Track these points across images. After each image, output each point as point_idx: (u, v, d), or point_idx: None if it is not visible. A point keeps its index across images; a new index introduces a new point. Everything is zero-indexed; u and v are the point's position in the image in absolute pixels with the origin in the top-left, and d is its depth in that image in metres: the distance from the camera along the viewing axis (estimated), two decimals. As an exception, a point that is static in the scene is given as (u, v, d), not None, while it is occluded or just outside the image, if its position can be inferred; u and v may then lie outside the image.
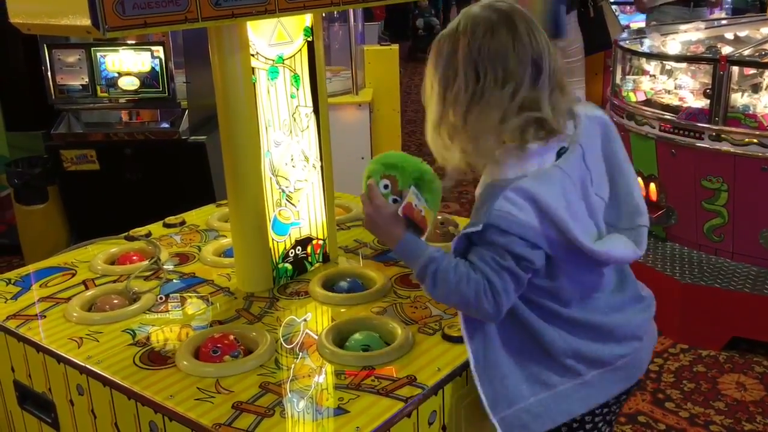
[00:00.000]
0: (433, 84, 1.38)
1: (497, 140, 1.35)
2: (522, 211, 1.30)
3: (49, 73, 3.62)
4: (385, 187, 1.47)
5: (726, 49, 3.62)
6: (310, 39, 1.84)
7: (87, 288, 1.91)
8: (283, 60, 1.80)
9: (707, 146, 3.15)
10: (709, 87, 3.16)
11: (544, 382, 1.41)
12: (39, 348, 1.66)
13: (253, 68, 1.73)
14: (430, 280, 1.36)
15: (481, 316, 1.38)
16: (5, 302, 1.85)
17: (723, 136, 3.10)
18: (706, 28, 4.28)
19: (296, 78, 1.84)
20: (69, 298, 1.84)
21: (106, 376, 1.51)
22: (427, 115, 1.42)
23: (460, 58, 1.33)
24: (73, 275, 2.00)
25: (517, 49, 1.31)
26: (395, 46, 5.10)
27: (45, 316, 1.77)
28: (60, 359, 1.61)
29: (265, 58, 1.75)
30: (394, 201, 1.45)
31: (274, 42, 1.77)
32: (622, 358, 1.46)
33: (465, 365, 1.49)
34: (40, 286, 1.94)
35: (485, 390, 1.40)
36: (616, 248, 1.41)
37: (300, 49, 1.83)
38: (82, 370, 1.56)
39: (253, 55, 1.72)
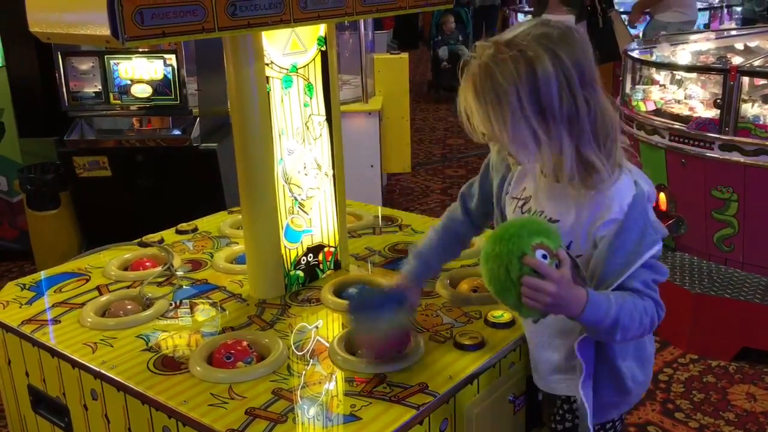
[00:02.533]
0: (525, 105, 1.27)
1: (607, 156, 1.31)
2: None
3: (62, 80, 3.65)
4: (544, 257, 1.26)
5: (736, 60, 3.63)
6: (323, 48, 1.86)
7: (101, 293, 1.93)
8: (297, 69, 1.81)
9: (717, 156, 3.15)
10: (719, 97, 3.17)
11: (598, 392, 1.43)
12: (53, 353, 1.67)
13: (267, 77, 1.75)
14: (620, 327, 1.29)
15: (645, 334, 1.37)
16: (20, 307, 1.87)
17: (733, 146, 3.10)
18: (716, 38, 4.29)
19: (310, 87, 1.85)
20: (83, 304, 1.86)
21: (120, 381, 1.53)
22: (507, 141, 1.32)
23: (551, 76, 1.25)
24: (87, 281, 2.01)
25: (591, 58, 1.31)
26: (405, 55, 5.12)
27: (59, 321, 1.79)
28: (74, 364, 1.62)
29: (280, 67, 1.77)
30: (557, 266, 1.27)
31: (289, 51, 1.79)
32: (650, 377, 1.54)
33: (476, 373, 1.50)
34: (55, 291, 1.96)
35: (593, 403, 1.40)
36: None
37: (314, 59, 1.85)
38: (96, 375, 1.58)
39: (267, 65, 1.74)
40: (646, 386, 1.55)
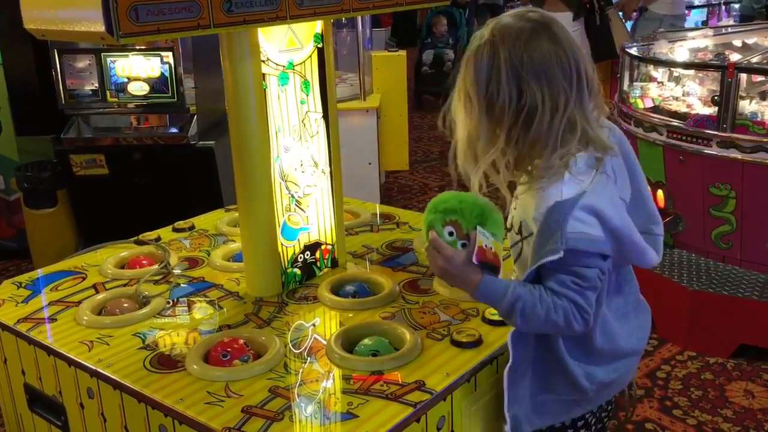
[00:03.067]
0: (472, 97, 1.33)
1: (548, 159, 1.31)
2: (593, 227, 1.31)
3: (59, 78, 3.65)
4: (450, 234, 1.39)
5: (734, 56, 3.62)
6: (320, 45, 1.86)
7: (97, 292, 1.92)
8: (294, 66, 1.81)
9: (715, 153, 3.15)
10: (717, 94, 3.17)
11: (554, 389, 1.44)
12: (50, 351, 1.67)
13: (263, 74, 1.74)
14: (519, 317, 1.33)
15: (572, 333, 1.36)
16: (16, 305, 1.86)
17: (731, 143, 3.09)
18: (714, 35, 4.28)
19: (306, 84, 1.85)
20: (79, 302, 1.85)
21: (117, 379, 1.52)
22: (458, 130, 1.37)
23: (502, 72, 1.28)
24: (84, 279, 2.01)
25: (560, 59, 1.29)
26: (403, 52, 5.12)
27: (55, 320, 1.78)
28: (70, 362, 1.62)
29: (276, 64, 1.77)
30: (463, 246, 1.38)
31: (285, 48, 1.78)
32: (625, 374, 1.52)
33: (474, 371, 1.50)
34: (51, 289, 1.95)
35: (510, 392, 1.42)
36: (649, 250, 1.44)
37: (310, 56, 1.84)
38: (93, 373, 1.57)
39: (263, 61, 1.73)
40: (619, 386, 1.53)
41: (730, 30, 4.60)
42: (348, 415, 1.36)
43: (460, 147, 1.39)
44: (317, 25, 1.83)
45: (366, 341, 1.59)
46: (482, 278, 1.36)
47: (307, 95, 1.86)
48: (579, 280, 1.32)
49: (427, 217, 1.42)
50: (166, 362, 1.57)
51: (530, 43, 1.29)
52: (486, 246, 1.37)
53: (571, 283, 1.32)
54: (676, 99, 3.55)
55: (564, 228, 1.28)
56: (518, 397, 1.43)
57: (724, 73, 3.12)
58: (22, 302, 1.88)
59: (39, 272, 2.08)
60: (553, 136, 1.30)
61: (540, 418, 1.47)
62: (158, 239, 2.26)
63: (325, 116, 1.91)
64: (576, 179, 1.32)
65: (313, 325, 1.73)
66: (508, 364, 1.42)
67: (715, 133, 3.14)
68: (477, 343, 1.57)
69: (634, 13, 5.82)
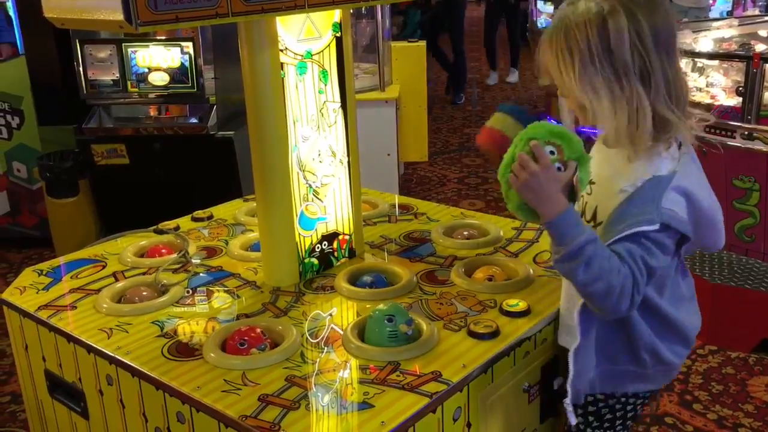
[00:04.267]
0: (597, 65, 1.30)
1: (656, 133, 1.33)
2: (681, 208, 1.32)
3: (80, 68, 3.68)
4: (551, 153, 1.32)
5: (759, 47, 3.56)
6: (338, 35, 1.85)
7: (117, 280, 1.94)
8: (312, 55, 1.80)
9: (739, 145, 3.11)
10: (742, 85, 3.12)
11: (616, 359, 1.47)
12: (69, 338, 1.68)
13: (281, 63, 1.74)
14: (584, 260, 1.28)
15: (610, 310, 1.33)
16: (37, 293, 1.88)
17: (755, 134, 3.05)
18: (739, 25, 4.21)
19: (324, 73, 1.84)
20: (99, 290, 1.87)
21: (135, 366, 1.53)
22: (572, 83, 1.34)
23: (648, 41, 1.29)
24: (104, 267, 2.03)
25: (676, 31, 1.33)
26: (422, 43, 5.09)
27: (76, 307, 1.80)
28: (90, 349, 1.63)
29: (294, 54, 1.76)
30: (558, 170, 1.32)
31: (303, 37, 1.77)
32: (677, 364, 1.54)
33: (491, 362, 1.49)
34: (71, 277, 1.97)
35: (575, 368, 1.44)
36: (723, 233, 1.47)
37: (328, 45, 1.83)
38: (112, 360, 1.58)
39: (282, 51, 1.73)
40: (671, 373, 1.54)
41: (756, 20, 4.52)
42: (364, 405, 1.36)
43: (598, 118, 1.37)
44: (335, 14, 1.83)
45: (381, 306, 1.59)
46: (569, 205, 1.30)
47: (326, 85, 1.85)
48: (648, 258, 1.30)
49: (528, 131, 1.34)
50: (183, 350, 1.58)
51: (659, 11, 1.31)
52: (576, 184, 1.33)
53: (639, 258, 1.30)
54: (700, 90, 3.49)
55: (659, 201, 1.30)
56: (582, 372, 1.45)
57: (749, 63, 3.07)
58: (43, 289, 1.90)
59: (60, 260, 2.10)
60: (682, 99, 1.33)
61: (600, 385, 1.50)
62: (177, 228, 2.27)
63: (343, 106, 1.90)
64: (671, 157, 1.34)
65: (330, 314, 1.73)
66: (575, 345, 1.42)
67: (739, 124, 3.10)
68: (494, 334, 1.56)
69: None
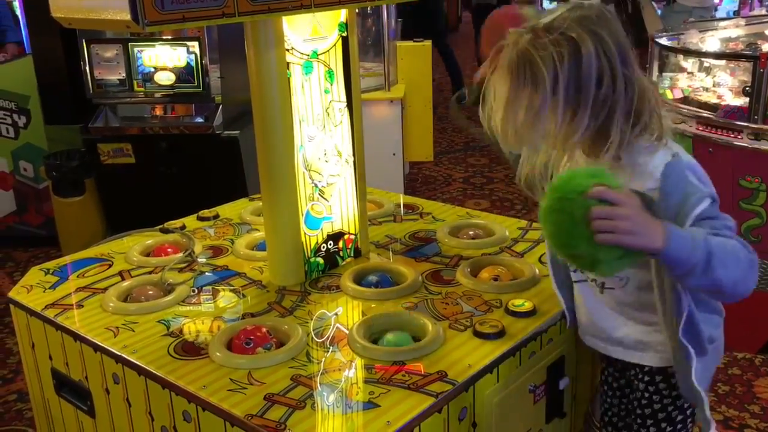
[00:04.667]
0: (564, 92, 1.27)
1: (637, 137, 1.32)
2: (705, 183, 1.32)
3: (87, 68, 3.69)
4: None
5: (766, 47, 3.54)
6: (344, 34, 1.85)
7: (123, 279, 1.94)
8: (318, 55, 1.80)
9: (746, 145, 3.09)
10: (749, 85, 3.10)
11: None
12: (76, 337, 1.69)
13: (288, 63, 1.74)
14: (719, 267, 1.20)
15: (753, 283, 1.26)
16: (44, 291, 1.89)
17: (762, 135, 3.03)
18: (746, 25, 4.20)
19: (330, 73, 1.84)
20: (105, 289, 1.87)
21: (142, 365, 1.54)
22: (507, 112, 1.31)
23: (616, 61, 1.27)
24: (110, 266, 2.03)
25: (626, 36, 1.31)
26: (428, 42, 5.09)
27: (82, 306, 1.80)
28: (96, 348, 1.64)
29: (300, 53, 1.76)
30: None
31: (309, 37, 1.78)
32: (722, 332, 1.52)
33: (496, 362, 1.49)
34: (78, 276, 1.98)
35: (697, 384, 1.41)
36: None
37: (334, 45, 1.84)
38: (118, 359, 1.59)
39: (288, 50, 1.73)
40: (721, 349, 1.52)
41: (762, 20, 4.50)
42: (369, 405, 1.36)
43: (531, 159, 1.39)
44: (341, 14, 1.83)
45: (389, 336, 1.58)
46: (664, 222, 1.20)
47: (331, 84, 1.85)
48: (729, 223, 1.28)
49: (568, 187, 1.21)
50: (189, 349, 1.59)
51: (616, 27, 1.29)
52: None
53: (724, 228, 1.27)
54: (706, 90, 3.48)
55: (690, 181, 1.28)
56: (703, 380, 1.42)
57: (756, 63, 3.05)
58: (49, 288, 1.91)
59: (66, 259, 2.11)
60: (646, 108, 1.31)
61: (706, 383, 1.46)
62: (183, 228, 2.27)
63: (349, 105, 1.90)
64: (670, 143, 1.33)
65: (336, 314, 1.73)
66: (692, 366, 1.37)
67: (746, 124, 3.08)
68: (500, 334, 1.56)
69: (662, 3, 5.73)
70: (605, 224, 1.16)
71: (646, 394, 1.52)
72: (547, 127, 1.31)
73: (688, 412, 1.53)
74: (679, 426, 1.53)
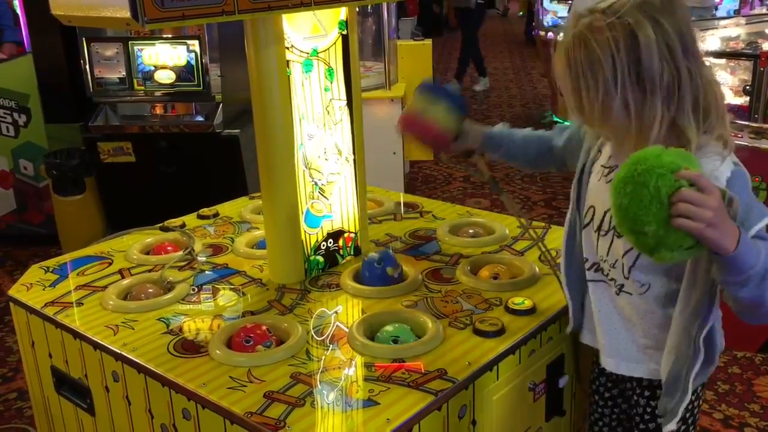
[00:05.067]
0: (625, 77, 1.23)
1: (702, 135, 1.28)
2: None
3: (87, 67, 3.69)
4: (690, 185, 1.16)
5: (767, 45, 3.55)
6: (344, 32, 1.85)
7: (123, 277, 1.94)
8: (318, 53, 1.80)
9: (746, 144, 3.09)
10: (749, 84, 3.10)
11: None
12: (76, 335, 1.69)
13: (287, 61, 1.74)
14: (765, 276, 1.18)
15: None
16: (43, 289, 1.89)
17: (763, 133, 3.03)
18: (746, 24, 4.20)
19: (330, 71, 1.84)
20: (105, 287, 1.87)
21: (141, 363, 1.54)
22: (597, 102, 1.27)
23: (676, 49, 1.22)
24: (110, 264, 2.03)
25: (692, 28, 1.26)
26: (428, 41, 5.09)
27: (82, 304, 1.80)
28: (96, 346, 1.64)
29: (300, 51, 1.76)
30: None
31: (309, 35, 1.77)
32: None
33: (496, 360, 1.49)
34: (78, 274, 1.98)
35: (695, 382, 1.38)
36: None
37: (334, 43, 1.83)
38: (118, 357, 1.59)
39: (288, 48, 1.73)
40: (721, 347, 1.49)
41: (762, 19, 4.50)
42: (369, 402, 1.36)
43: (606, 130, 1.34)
44: (341, 12, 1.83)
45: (388, 328, 1.59)
46: (739, 227, 1.16)
47: (331, 82, 1.85)
48: None
49: (657, 160, 1.12)
50: (189, 347, 1.59)
51: (680, 14, 1.25)
52: None
53: None
54: (707, 89, 3.48)
55: (750, 192, 1.26)
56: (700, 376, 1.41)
57: (756, 62, 3.05)
58: (49, 286, 1.91)
59: (66, 257, 2.11)
60: (712, 107, 1.27)
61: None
62: (183, 226, 2.27)
63: (349, 104, 1.90)
64: (731, 153, 1.29)
65: (336, 312, 1.73)
66: (697, 365, 1.34)
67: (747, 123, 3.08)
68: (500, 332, 1.56)
69: None
70: (691, 210, 1.10)
71: (648, 409, 1.50)
72: (617, 116, 1.26)
73: (690, 421, 1.51)
74: None
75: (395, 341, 1.55)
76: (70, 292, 1.87)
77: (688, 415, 1.49)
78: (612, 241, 1.42)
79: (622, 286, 1.44)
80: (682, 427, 1.49)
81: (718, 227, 1.12)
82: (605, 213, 1.42)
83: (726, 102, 3.42)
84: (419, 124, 1.69)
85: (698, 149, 1.27)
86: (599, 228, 1.44)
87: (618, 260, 1.42)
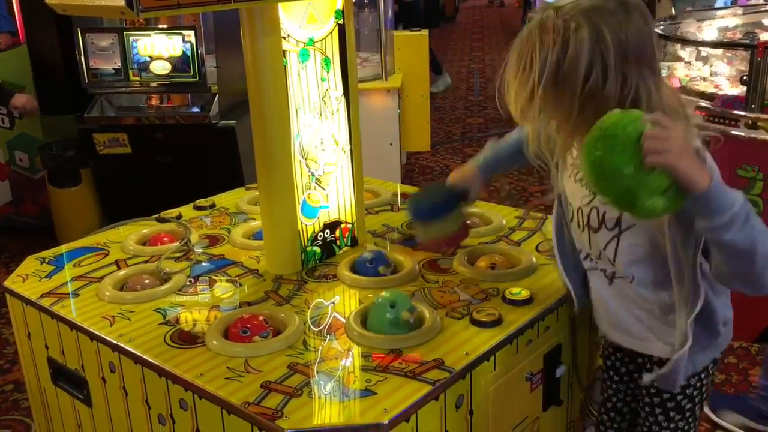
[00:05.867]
0: (562, 80, 1.27)
1: None
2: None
3: (82, 57, 3.66)
4: None
5: (764, 35, 3.54)
6: (341, 22, 1.84)
7: (119, 268, 1.94)
8: (314, 43, 1.79)
9: (743, 134, 3.08)
10: (746, 74, 3.10)
11: (697, 339, 1.41)
12: (72, 326, 1.69)
13: (284, 50, 1.73)
14: (748, 217, 1.18)
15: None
16: (39, 281, 1.89)
17: (759, 124, 3.03)
18: (743, 14, 4.19)
19: (327, 61, 1.83)
20: (102, 278, 1.87)
21: (138, 354, 1.54)
22: (519, 97, 1.32)
23: (610, 55, 1.24)
24: (106, 255, 2.03)
25: (652, 41, 1.29)
26: (425, 32, 5.07)
27: (78, 295, 1.80)
28: (93, 337, 1.64)
29: (296, 41, 1.75)
30: None
31: (305, 24, 1.76)
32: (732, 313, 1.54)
33: (493, 350, 1.49)
34: (74, 265, 1.97)
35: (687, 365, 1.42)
36: None
37: (331, 32, 1.82)
38: (114, 348, 1.59)
39: (284, 38, 1.72)
40: (731, 331, 1.54)
41: (760, 9, 4.48)
42: (366, 392, 1.36)
43: (537, 135, 1.40)
44: (338, 2, 1.82)
45: (384, 294, 1.59)
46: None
47: (328, 72, 1.84)
48: None
49: (619, 120, 1.18)
50: (186, 338, 1.58)
51: (630, 23, 1.26)
52: None
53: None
54: (704, 79, 3.47)
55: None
56: (694, 365, 1.45)
57: (753, 52, 3.04)
58: (45, 277, 1.90)
59: (62, 248, 2.10)
60: None
61: (693, 368, 1.47)
62: (179, 217, 2.27)
63: (346, 94, 1.89)
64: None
65: (333, 303, 1.73)
66: (686, 347, 1.37)
67: (743, 113, 3.08)
68: (497, 322, 1.56)
69: None
70: (658, 144, 1.14)
71: (655, 383, 1.52)
72: (535, 116, 1.33)
73: (697, 399, 1.53)
74: (687, 414, 1.53)
75: (392, 306, 1.55)
76: (66, 283, 1.87)
77: (695, 392, 1.52)
78: (590, 236, 1.47)
79: (614, 273, 1.48)
80: (688, 405, 1.52)
81: (685, 156, 1.15)
82: (579, 209, 1.48)
83: (723, 92, 3.41)
84: (434, 245, 1.84)
85: None
86: (579, 224, 1.49)
87: (601, 252, 1.46)
